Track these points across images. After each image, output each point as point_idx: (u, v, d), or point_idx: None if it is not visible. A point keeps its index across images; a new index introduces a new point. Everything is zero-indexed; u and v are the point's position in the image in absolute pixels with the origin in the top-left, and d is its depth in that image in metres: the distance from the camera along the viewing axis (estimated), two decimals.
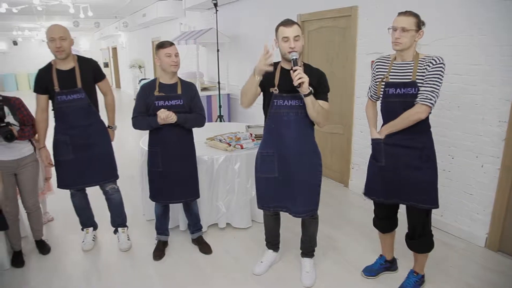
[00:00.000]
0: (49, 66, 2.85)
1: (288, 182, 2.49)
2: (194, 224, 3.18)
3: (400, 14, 2.23)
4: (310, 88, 2.22)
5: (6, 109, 2.72)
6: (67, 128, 2.89)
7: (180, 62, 2.80)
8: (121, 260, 3.08)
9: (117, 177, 3.16)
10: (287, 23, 2.27)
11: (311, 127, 2.46)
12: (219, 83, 6.57)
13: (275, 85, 2.38)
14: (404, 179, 2.33)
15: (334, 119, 4.54)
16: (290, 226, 3.28)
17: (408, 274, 2.61)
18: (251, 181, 3.33)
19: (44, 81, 2.82)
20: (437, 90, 2.17)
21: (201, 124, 2.89)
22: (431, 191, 2.33)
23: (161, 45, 2.73)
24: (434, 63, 2.16)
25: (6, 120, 2.68)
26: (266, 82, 2.36)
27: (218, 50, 6.35)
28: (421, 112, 2.19)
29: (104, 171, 3.05)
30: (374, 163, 2.48)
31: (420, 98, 2.18)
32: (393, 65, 2.32)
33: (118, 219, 3.27)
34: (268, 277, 2.79)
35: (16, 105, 2.82)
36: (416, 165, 2.30)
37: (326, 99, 2.38)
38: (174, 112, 2.70)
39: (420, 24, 2.20)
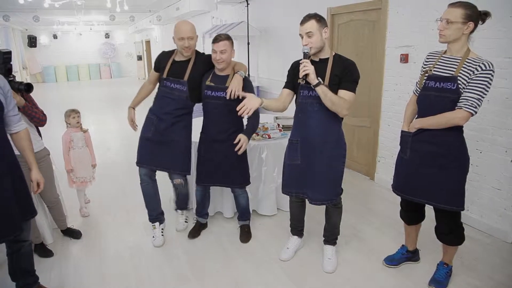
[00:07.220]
0: (171, 53, 3.02)
1: (310, 169, 2.56)
2: (240, 214, 3.30)
3: (450, 5, 2.15)
4: (319, 79, 2.31)
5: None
6: (159, 111, 2.97)
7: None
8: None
9: (187, 172, 3.13)
10: (302, 21, 2.39)
11: (336, 117, 2.46)
12: (248, 75, 6.66)
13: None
14: (429, 177, 2.30)
15: (362, 112, 4.55)
16: (314, 215, 3.36)
17: (438, 266, 2.58)
18: (277, 169, 3.43)
19: (161, 63, 3.01)
20: (482, 98, 2.07)
21: (257, 125, 2.95)
22: (456, 192, 2.26)
23: (213, 40, 2.83)
24: (484, 68, 2.05)
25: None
26: (295, 74, 2.48)
27: (248, 43, 6.45)
28: (462, 118, 2.10)
29: (174, 160, 3.03)
30: (400, 158, 2.49)
31: (464, 104, 2.08)
32: (441, 58, 2.26)
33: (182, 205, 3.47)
34: (291, 263, 2.88)
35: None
36: (442, 163, 2.25)
37: (349, 88, 2.37)
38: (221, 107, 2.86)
39: (470, 17, 2.08)
